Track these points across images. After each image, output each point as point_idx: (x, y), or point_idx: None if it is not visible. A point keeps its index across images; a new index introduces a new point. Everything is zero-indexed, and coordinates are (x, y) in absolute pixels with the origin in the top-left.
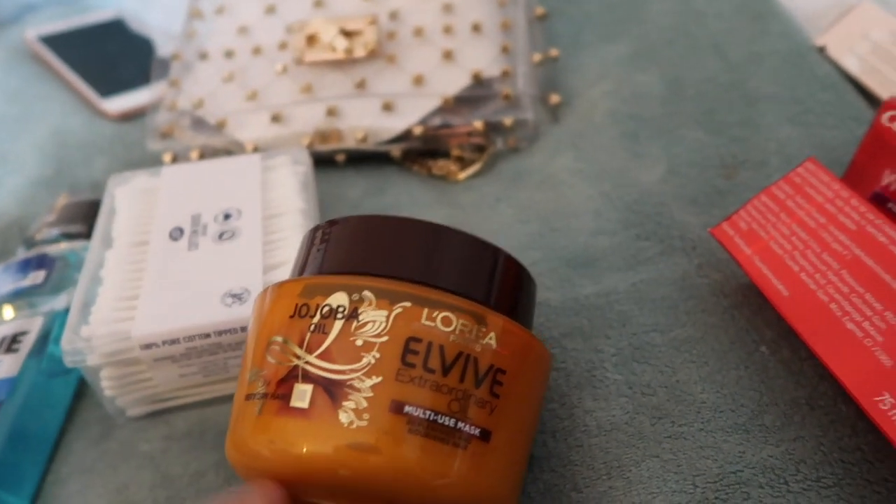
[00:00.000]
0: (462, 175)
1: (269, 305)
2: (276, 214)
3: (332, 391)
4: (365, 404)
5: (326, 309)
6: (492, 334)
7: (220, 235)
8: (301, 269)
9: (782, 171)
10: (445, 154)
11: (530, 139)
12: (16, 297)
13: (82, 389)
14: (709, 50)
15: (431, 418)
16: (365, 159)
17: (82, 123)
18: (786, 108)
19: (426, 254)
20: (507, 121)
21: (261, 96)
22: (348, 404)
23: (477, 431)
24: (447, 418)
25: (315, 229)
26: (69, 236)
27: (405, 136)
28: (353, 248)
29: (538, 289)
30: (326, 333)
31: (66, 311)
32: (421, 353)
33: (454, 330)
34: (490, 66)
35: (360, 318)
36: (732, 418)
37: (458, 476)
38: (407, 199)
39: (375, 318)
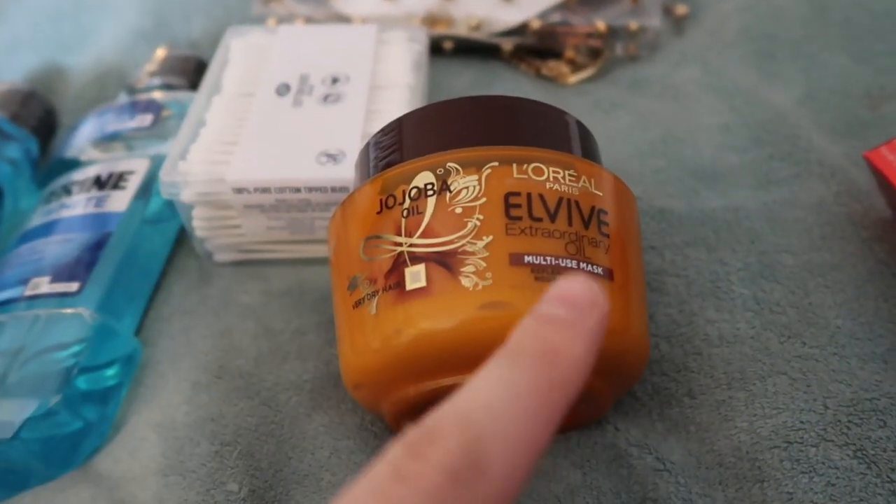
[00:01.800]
0: (573, 78)
1: (348, 215)
2: (383, 86)
3: (445, 262)
4: (484, 265)
5: (414, 191)
6: (584, 177)
7: (326, 97)
8: (364, 174)
9: None
10: (557, 55)
11: (651, 48)
12: (117, 138)
13: (180, 237)
14: None
15: (553, 263)
16: (472, 51)
17: None
18: None
19: (497, 121)
20: (633, 25)
21: None
22: (467, 269)
23: (600, 270)
24: (569, 261)
25: (370, 141)
26: (170, 87)
27: (520, 29)
28: (421, 135)
29: (661, 196)
30: (422, 213)
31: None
32: (523, 205)
33: (548, 178)
34: None
35: (452, 188)
36: (870, 347)
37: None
38: (517, 94)
39: (468, 184)
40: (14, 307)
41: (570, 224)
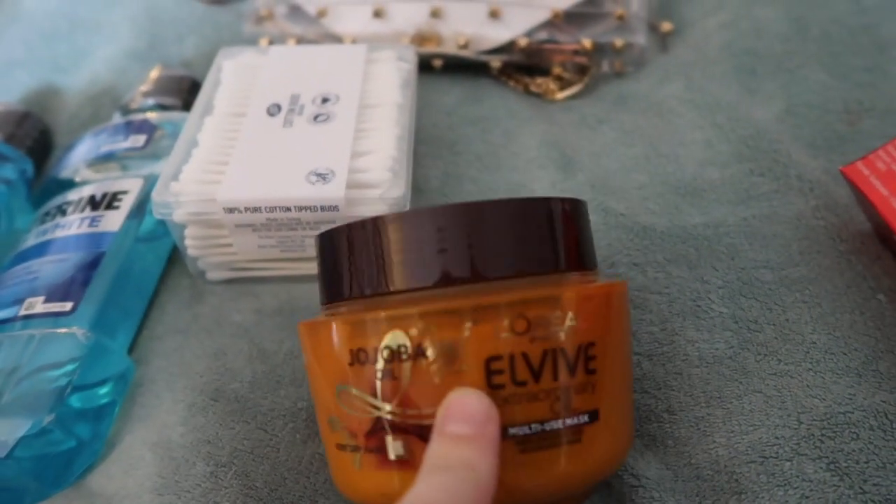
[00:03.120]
0: (561, 95)
1: (316, 347)
2: (372, 105)
3: (427, 437)
4: None
5: (387, 353)
6: (569, 314)
7: (316, 117)
8: (330, 286)
9: None
10: (545, 72)
11: (636, 65)
12: (112, 158)
13: (173, 256)
14: None
15: (538, 430)
16: (461, 68)
17: (175, 1)
18: None
19: (470, 242)
20: (618, 42)
21: None
22: None
23: (585, 418)
24: (553, 423)
25: (326, 236)
26: (163, 107)
27: (508, 47)
28: (385, 259)
29: (644, 213)
30: (398, 379)
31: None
32: (505, 370)
33: (532, 330)
34: None
35: (428, 354)
36: (844, 361)
37: (585, 463)
38: (504, 111)
39: (445, 351)
40: (9, 327)
41: (555, 379)
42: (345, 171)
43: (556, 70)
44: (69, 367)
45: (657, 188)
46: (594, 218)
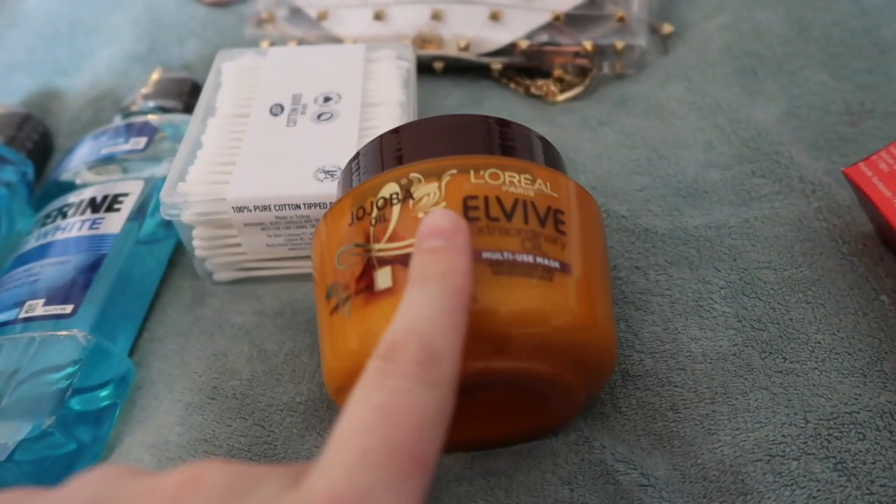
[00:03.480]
0: (561, 97)
1: (325, 230)
2: (374, 103)
3: (406, 262)
4: None
5: (381, 201)
6: (539, 181)
7: (319, 116)
8: (340, 192)
9: None
10: (545, 74)
11: (637, 67)
12: (112, 160)
13: (174, 258)
14: None
15: (510, 258)
16: (462, 71)
17: (176, 4)
18: None
19: (458, 135)
20: (619, 44)
21: None
22: None
23: (556, 264)
24: (524, 255)
25: (348, 163)
26: (164, 110)
27: (509, 49)
28: (386, 153)
29: (645, 215)
30: (388, 220)
31: (165, 178)
32: (480, 207)
33: (503, 181)
34: None
35: (415, 195)
36: (849, 361)
37: (555, 305)
38: (505, 113)
39: (429, 191)
40: (9, 330)
41: (525, 222)
42: None
43: (557, 72)
44: (69, 370)
45: (658, 190)
46: None
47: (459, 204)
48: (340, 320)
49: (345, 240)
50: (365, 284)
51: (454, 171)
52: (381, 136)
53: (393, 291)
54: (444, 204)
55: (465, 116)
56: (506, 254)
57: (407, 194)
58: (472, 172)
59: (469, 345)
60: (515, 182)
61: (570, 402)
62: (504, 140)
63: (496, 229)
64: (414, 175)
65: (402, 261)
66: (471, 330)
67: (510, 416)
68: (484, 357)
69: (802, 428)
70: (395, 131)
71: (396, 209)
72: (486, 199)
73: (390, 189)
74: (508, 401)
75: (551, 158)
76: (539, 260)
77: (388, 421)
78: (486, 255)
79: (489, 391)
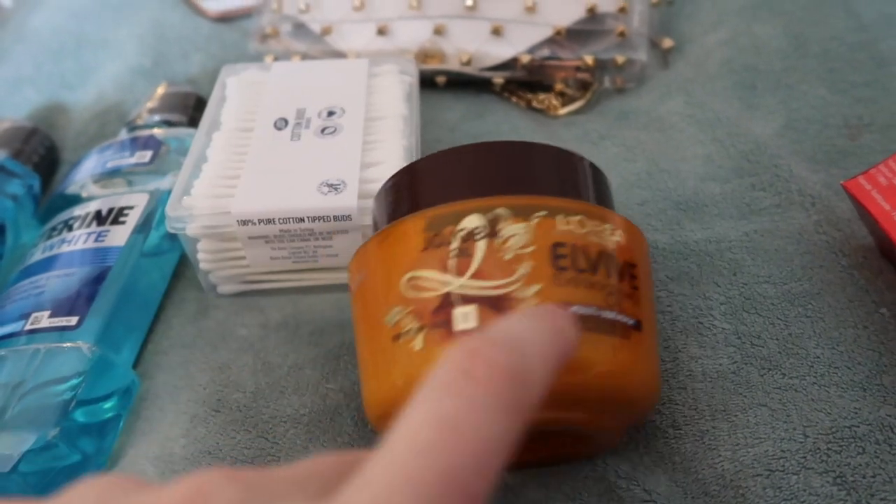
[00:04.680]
0: (563, 111)
1: (387, 247)
2: (378, 117)
3: (496, 306)
4: None
5: (464, 233)
6: (618, 231)
7: (323, 130)
8: (400, 211)
9: None
10: (547, 88)
11: (638, 81)
12: (118, 173)
13: (178, 270)
14: (837, 7)
15: (596, 314)
16: (464, 85)
17: (181, 19)
18: None
19: (543, 170)
20: (619, 59)
21: (368, 7)
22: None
23: (632, 322)
24: (608, 312)
25: (395, 176)
26: (169, 123)
27: (510, 64)
28: (469, 175)
29: (645, 229)
30: (471, 255)
31: (170, 191)
32: (568, 255)
33: (589, 231)
34: (606, 0)
35: (501, 233)
36: (849, 375)
37: (629, 364)
38: (507, 126)
39: (516, 232)
40: (14, 342)
41: (608, 276)
42: (356, 181)
43: (559, 86)
44: (74, 382)
45: (659, 204)
46: None
47: (548, 250)
48: (407, 350)
49: (416, 264)
50: (443, 319)
51: (543, 213)
52: (454, 151)
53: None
54: (532, 248)
55: (555, 150)
56: (592, 308)
57: (493, 231)
58: (560, 217)
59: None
60: (599, 232)
61: (610, 440)
62: (586, 182)
63: (583, 282)
64: (501, 211)
65: (488, 302)
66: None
67: (546, 446)
68: (558, 407)
69: (802, 443)
70: (478, 150)
71: (482, 245)
72: (574, 247)
73: (474, 221)
74: (551, 434)
75: (610, 200)
76: (620, 317)
77: (450, 442)
78: (575, 308)
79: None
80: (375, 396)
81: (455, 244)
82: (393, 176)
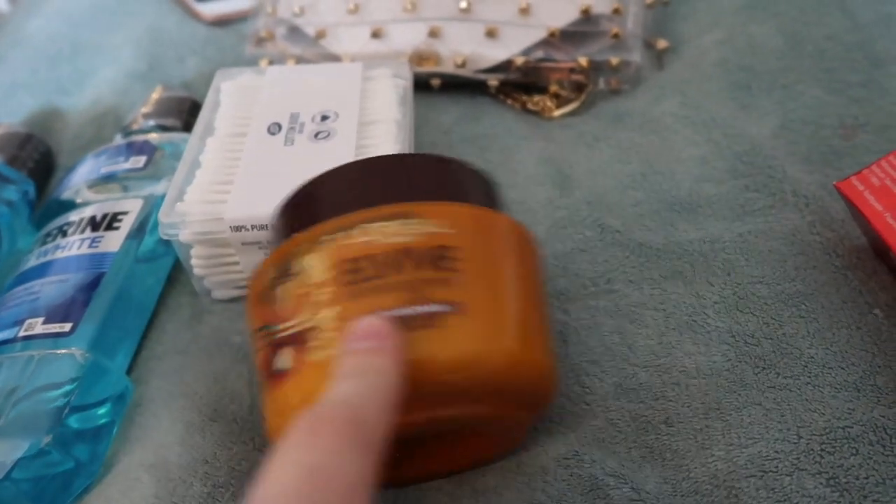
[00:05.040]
0: (557, 112)
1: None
2: (371, 122)
3: (302, 340)
4: (331, 335)
5: (269, 283)
6: (422, 220)
7: (316, 135)
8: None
9: None
10: (542, 90)
11: (633, 82)
12: (112, 179)
13: (173, 275)
14: (833, 7)
15: (406, 312)
16: (459, 87)
17: (176, 23)
18: None
19: (328, 194)
20: (614, 60)
21: (363, 10)
22: (315, 343)
23: (447, 307)
24: (404, 309)
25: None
26: (164, 128)
27: (505, 66)
28: (279, 227)
29: (639, 230)
30: (276, 301)
31: (165, 197)
32: (358, 269)
33: (374, 237)
34: (600, 2)
35: (293, 270)
36: (842, 375)
37: (460, 348)
38: (502, 129)
39: (305, 265)
40: (9, 348)
41: (400, 272)
42: None
43: (553, 88)
44: (67, 388)
45: (653, 205)
46: (590, 234)
47: (335, 271)
48: (265, 402)
49: (252, 320)
50: (271, 368)
51: (325, 238)
52: (279, 206)
53: (292, 373)
54: (322, 276)
55: (333, 171)
56: (385, 313)
57: (285, 272)
58: (339, 235)
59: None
60: (387, 232)
61: (514, 431)
62: (383, 184)
63: (372, 290)
64: (295, 249)
65: (294, 340)
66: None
67: (458, 447)
68: (420, 409)
69: (795, 444)
70: (289, 199)
71: (280, 289)
72: (359, 260)
73: (270, 272)
74: (453, 435)
75: (452, 188)
76: (421, 309)
77: (319, 485)
78: (370, 317)
79: (431, 431)
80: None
81: (266, 294)
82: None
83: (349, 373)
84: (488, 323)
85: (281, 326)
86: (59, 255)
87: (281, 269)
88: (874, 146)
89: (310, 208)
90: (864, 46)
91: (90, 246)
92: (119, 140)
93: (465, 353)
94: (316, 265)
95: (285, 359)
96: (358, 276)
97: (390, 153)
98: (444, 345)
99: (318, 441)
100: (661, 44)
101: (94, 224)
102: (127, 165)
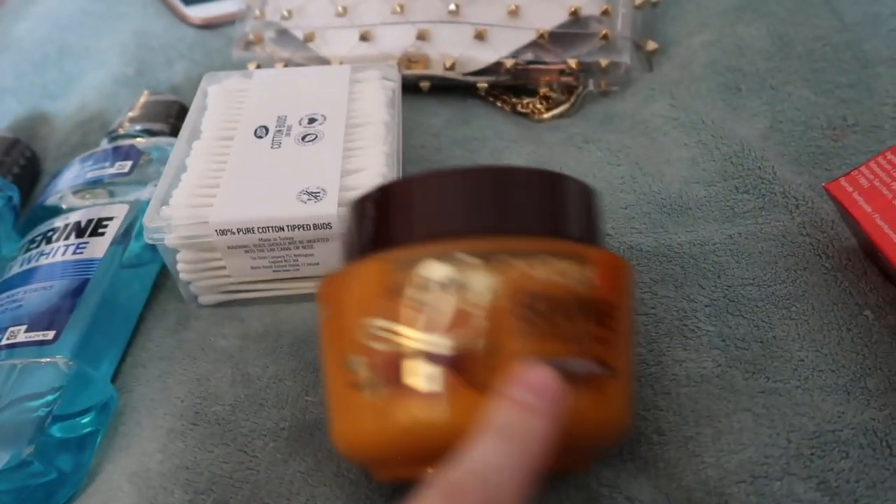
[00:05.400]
0: (547, 114)
1: (346, 290)
2: (359, 124)
3: (459, 367)
4: (496, 372)
5: (422, 280)
6: (591, 269)
7: (304, 137)
8: (365, 244)
9: None
10: (532, 92)
11: (622, 84)
12: (98, 184)
13: (160, 281)
14: (821, 8)
15: (563, 365)
16: (448, 90)
17: (164, 27)
18: None
19: (503, 200)
20: (603, 62)
21: (351, 13)
22: (477, 378)
23: (604, 369)
24: (577, 363)
25: (364, 198)
26: (150, 133)
27: (494, 68)
28: (428, 211)
29: (630, 232)
30: (433, 307)
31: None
32: (535, 306)
33: (560, 274)
34: (589, 3)
35: (461, 283)
36: (832, 378)
37: (601, 413)
38: (491, 132)
39: (478, 281)
40: None
41: (579, 324)
42: (336, 188)
43: (543, 90)
44: (50, 398)
45: (643, 207)
46: None
47: (513, 302)
48: (361, 399)
49: (373, 311)
50: (404, 378)
51: (506, 258)
52: (420, 180)
53: (440, 396)
54: (494, 299)
55: (538, 175)
56: (558, 361)
57: (455, 280)
58: (524, 262)
59: None
60: (570, 274)
61: (583, 466)
62: (559, 209)
63: (550, 334)
64: (463, 257)
65: (450, 362)
66: None
67: None
68: None
69: (785, 448)
70: (437, 180)
71: (443, 297)
72: (541, 294)
73: (435, 270)
74: None
75: (598, 223)
76: (594, 368)
77: None
78: (535, 365)
79: None
80: (340, 438)
81: (414, 293)
82: (364, 195)
83: (499, 428)
84: (628, 392)
85: (431, 338)
86: (44, 261)
87: (448, 273)
88: (863, 147)
89: (467, 200)
90: (852, 47)
91: (75, 252)
92: (105, 145)
93: (614, 422)
94: (488, 286)
95: (431, 379)
96: (529, 312)
97: (491, 165)
98: (598, 410)
99: None
100: (650, 45)
101: (80, 230)
102: (113, 170)
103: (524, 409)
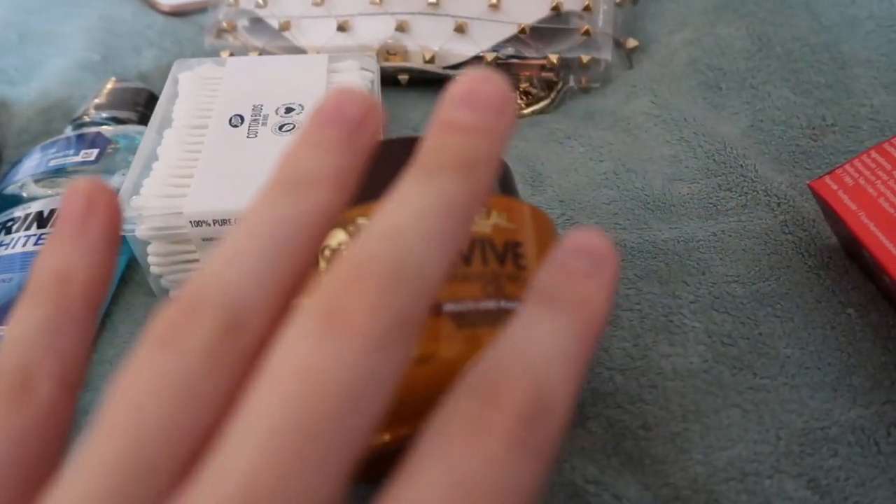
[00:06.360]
0: (528, 110)
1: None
2: None
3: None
4: None
5: (328, 252)
6: (494, 213)
7: (280, 127)
8: None
9: (875, 138)
10: (512, 87)
11: (603, 80)
12: (62, 172)
13: (127, 274)
14: (800, 9)
15: (472, 307)
16: (428, 83)
17: (132, 13)
18: (882, 74)
19: (400, 167)
20: (584, 58)
21: (329, 2)
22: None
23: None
24: (488, 301)
25: None
26: (118, 120)
27: (474, 62)
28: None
29: (613, 228)
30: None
31: (118, 191)
32: None
33: None
34: None
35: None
36: (819, 376)
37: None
38: None
39: None
40: None
41: (485, 264)
42: None
43: (524, 85)
44: None
45: (626, 203)
46: (564, 232)
47: None
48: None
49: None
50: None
51: None
52: None
53: None
54: None
55: (405, 141)
56: (468, 303)
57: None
58: None
59: (428, 405)
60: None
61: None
62: None
63: (455, 277)
64: (361, 221)
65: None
66: (432, 390)
67: None
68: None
69: (774, 445)
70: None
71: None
72: None
73: (338, 238)
74: None
75: (504, 181)
76: (503, 304)
77: None
78: (447, 307)
79: None
80: None
81: (323, 265)
82: None
83: (546, 299)
84: None
85: None
86: (3, 252)
87: (349, 238)
88: (842, 146)
89: (372, 176)
90: (829, 48)
91: (36, 243)
92: (69, 132)
93: None
94: None
95: None
96: None
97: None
98: None
99: (483, 444)
100: (631, 43)
101: (41, 220)
102: (77, 159)
103: (574, 274)
